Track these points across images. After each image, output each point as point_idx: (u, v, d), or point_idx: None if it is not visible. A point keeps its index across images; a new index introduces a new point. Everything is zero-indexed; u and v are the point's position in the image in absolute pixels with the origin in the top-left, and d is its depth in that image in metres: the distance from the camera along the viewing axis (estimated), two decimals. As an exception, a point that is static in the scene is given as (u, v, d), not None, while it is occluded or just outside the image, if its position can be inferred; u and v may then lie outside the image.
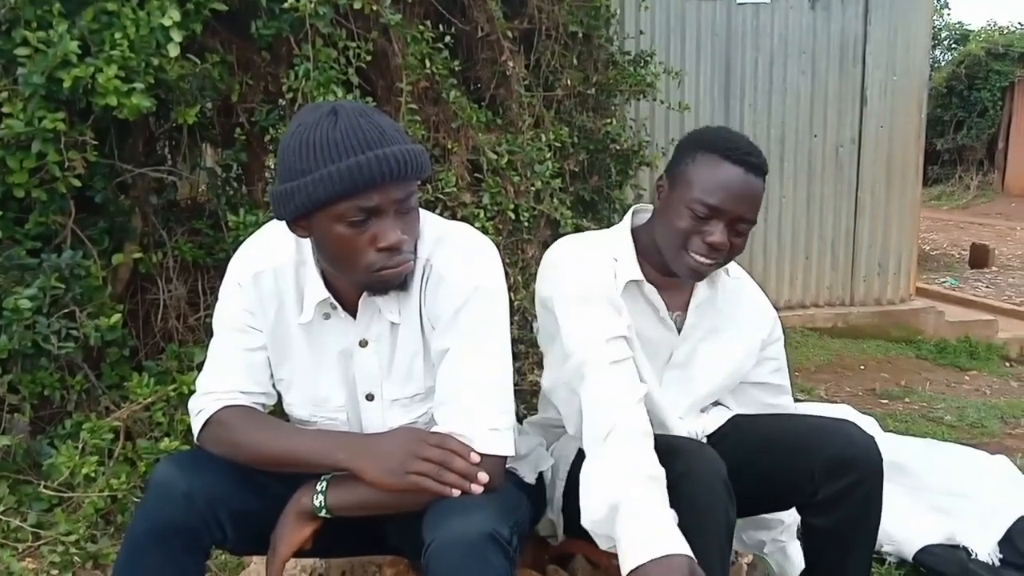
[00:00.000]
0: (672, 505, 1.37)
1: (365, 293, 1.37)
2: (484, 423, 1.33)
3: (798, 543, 1.89)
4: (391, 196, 1.26)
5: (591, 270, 1.57)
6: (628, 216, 1.69)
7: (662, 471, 1.38)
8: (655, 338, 1.65)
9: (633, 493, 1.34)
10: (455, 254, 1.38)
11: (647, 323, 1.64)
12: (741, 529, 1.93)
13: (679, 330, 1.67)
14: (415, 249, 1.35)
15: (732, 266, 1.73)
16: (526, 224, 2.87)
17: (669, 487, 1.39)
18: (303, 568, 1.81)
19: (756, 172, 1.53)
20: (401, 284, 1.35)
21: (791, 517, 1.87)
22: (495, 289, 1.39)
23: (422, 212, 1.42)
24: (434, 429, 1.35)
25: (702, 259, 1.52)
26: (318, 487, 1.35)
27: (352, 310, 1.41)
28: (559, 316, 1.54)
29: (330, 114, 1.25)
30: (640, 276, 1.60)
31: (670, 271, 1.61)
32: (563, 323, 1.53)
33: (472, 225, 2.65)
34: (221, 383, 1.44)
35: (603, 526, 1.36)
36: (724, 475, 1.43)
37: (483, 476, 1.28)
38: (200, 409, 1.43)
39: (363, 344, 1.42)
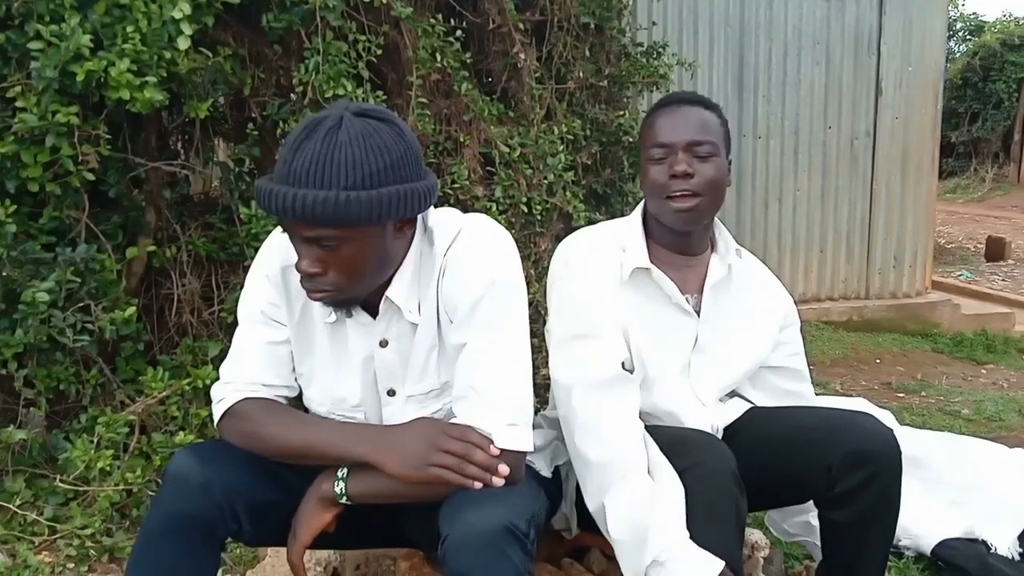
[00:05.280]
0: None
1: (385, 294, 1.37)
2: (502, 419, 1.32)
3: None
4: (297, 230, 1.27)
5: (592, 285, 1.58)
6: (641, 204, 1.70)
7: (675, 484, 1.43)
8: (674, 324, 1.65)
9: (656, 532, 1.40)
10: (471, 247, 1.37)
11: (662, 310, 1.64)
12: (781, 519, 1.95)
13: (698, 312, 1.66)
14: (349, 286, 1.31)
15: (743, 251, 1.73)
16: (539, 217, 2.86)
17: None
18: (318, 561, 1.80)
19: (691, 103, 1.62)
20: (344, 306, 1.36)
21: None
22: (512, 283, 1.37)
23: (443, 210, 1.42)
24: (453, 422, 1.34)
25: (677, 195, 1.57)
26: (339, 473, 1.35)
27: (373, 311, 1.40)
28: (549, 349, 1.60)
29: (328, 130, 1.23)
30: (647, 263, 1.61)
31: (681, 247, 1.65)
32: (552, 358, 1.59)
33: (484, 218, 2.69)
34: (243, 374, 1.44)
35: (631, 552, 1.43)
36: (734, 468, 1.42)
37: (504, 469, 1.27)
38: (221, 398, 1.44)
39: (383, 344, 1.41)
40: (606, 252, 1.63)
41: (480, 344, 1.34)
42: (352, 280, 1.30)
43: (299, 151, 1.23)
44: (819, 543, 1.72)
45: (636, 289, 1.61)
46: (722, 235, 1.70)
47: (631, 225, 1.67)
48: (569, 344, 1.56)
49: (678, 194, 1.57)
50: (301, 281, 1.32)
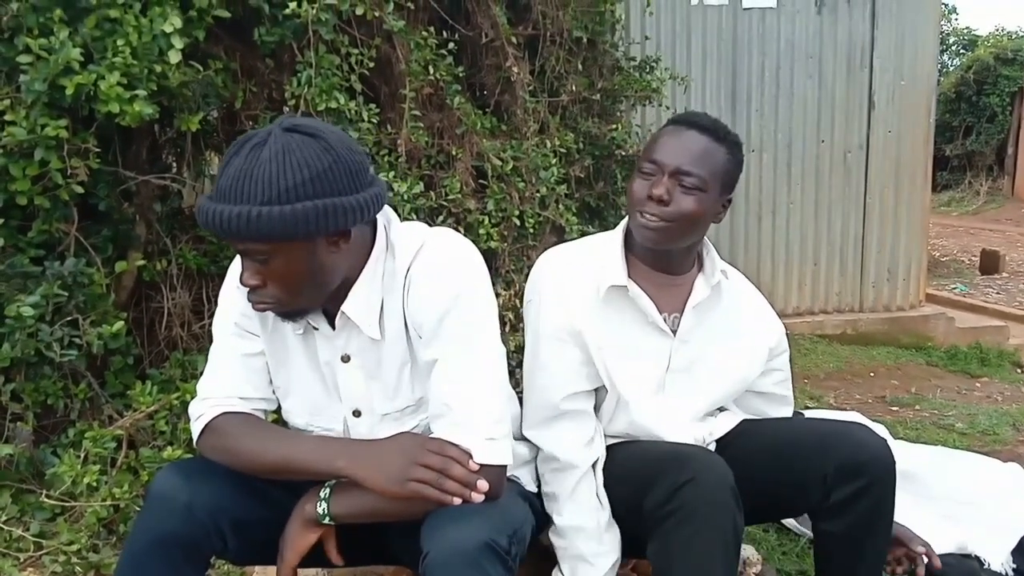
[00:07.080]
0: (677, 511, 1.38)
1: (340, 309, 1.36)
2: (479, 434, 1.31)
3: None
4: (231, 244, 1.29)
5: (562, 309, 1.60)
6: (625, 220, 1.68)
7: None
8: (649, 344, 1.63)
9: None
10: (434, 263, 1.36)
11: (637, 329, 1.62)
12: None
13: (675, 332, 1.64)
14: (289, 299, 1.31)
15: (732, 271, 1.71)
16: (531, 231, 2.86)
17: (675, 493, 1.39)
18: (305, 578, 1.78)
19: (700, 130, 1.56)
20: (292, 317, 1.36)
21: None
22: (477, 294, 1.36)
23: (407, 224, 1.42)
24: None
25: (648, 215, 1.55)
26: (321, 494, 1.33)
27: (335, 323, 1.39)
28: (527, 358, 1.65)
29: (253, 146, 1.23)
30: (624, 281, 1.59)
31: (662, 265, 1.63)
32: (527, 369, 1.64)
33: (476, 231, 2.69)
34: (220, 388, 1.44)
35: None
36: (732, 482, 1.41)
37: (483, 484, 1.26)
38: (199, 415, 1.43)
39: (345, 359, 1.40)
40: (580, 274, 1.62)
41: (450, 360, 1.33)
42: (290, 293, 1.30)
43: (227, 168, 1.24)
44: None
45: (612, 307, 1.60)
46: (709, 255, 1.68)
47: (611, 241, 1.65)
48: (529, 376, 1.64)
49: (646, 213, 1.55)
50: (247, 294, 1.32)
